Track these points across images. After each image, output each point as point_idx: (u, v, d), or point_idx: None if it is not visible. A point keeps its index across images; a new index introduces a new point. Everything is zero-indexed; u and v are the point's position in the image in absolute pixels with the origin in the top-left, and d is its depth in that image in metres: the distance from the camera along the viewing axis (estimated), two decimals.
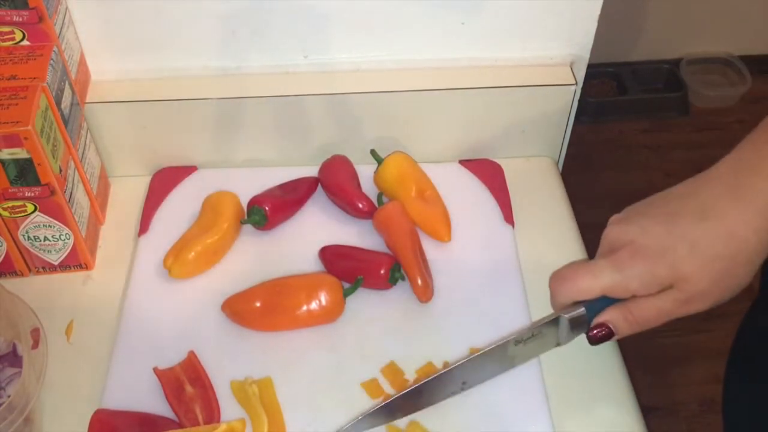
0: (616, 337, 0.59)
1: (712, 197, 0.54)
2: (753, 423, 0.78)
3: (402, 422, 0.66)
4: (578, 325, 0.60)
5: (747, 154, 0.55)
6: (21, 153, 0.69)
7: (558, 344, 0.63)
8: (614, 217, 0.60)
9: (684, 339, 1.69)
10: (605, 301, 0.58)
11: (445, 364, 0.67)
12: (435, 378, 0.62)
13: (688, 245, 0.54)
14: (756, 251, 0.53)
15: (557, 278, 0.60)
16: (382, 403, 0.63)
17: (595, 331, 0.59)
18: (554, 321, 0.61)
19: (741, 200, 0.53)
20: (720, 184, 0.54)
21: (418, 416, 0.66)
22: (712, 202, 0.54)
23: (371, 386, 0.70)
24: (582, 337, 0.61)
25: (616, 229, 0.58)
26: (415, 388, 0.62)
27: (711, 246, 0.53)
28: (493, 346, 0.62)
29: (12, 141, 0.68)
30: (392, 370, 0.71)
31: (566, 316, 0.60)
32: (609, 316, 0.58)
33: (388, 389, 0.70)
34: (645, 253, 0.55)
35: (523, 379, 0.70)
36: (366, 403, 0.69)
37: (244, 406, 0.69)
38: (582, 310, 0.59)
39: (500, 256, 0.81)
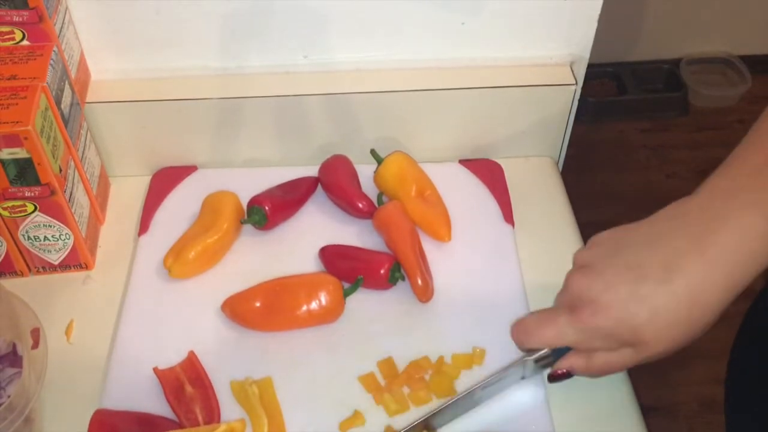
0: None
1: (677, 252, 0.53)
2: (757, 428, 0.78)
3: None
4: (543, 362, 0.63)
5: (715, 202, 0.54)
6: (21, 153, 0.69)
7: (523, 378, 0.67)
8: (578, 257, 0.60)
9: None
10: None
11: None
12: (410, 428, 0.65)
13: (650, 311, 0.54)
14: (716, 312, 0.53)
15: (521, 330, 0.63)
16: None
17: (557, 373, 0.62)
18: (520, 361, 0.64)
19: (706, 259, 0.52)
20: (687, 236, 0.53)
21: None
22: (677, 258, 0.53)
23: (367, 380, 0.71)
24: None
25: (579, 282, 0.58)
26: None
27: (673, 312, 0.53)
28: (461, 395, 0.66)
29: (12, 141, 0.68)
30: (388, 365, 0.72)
31: (532, 358, 0.63)
32: (570, 363, 0.61)
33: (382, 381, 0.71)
34: (607, 314, 0.55)
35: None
36: (366, 402, 0.69)
37: (244, 406, 0.69)
38: (548, 350, 0.62)
39: (500, 256, 0.81)
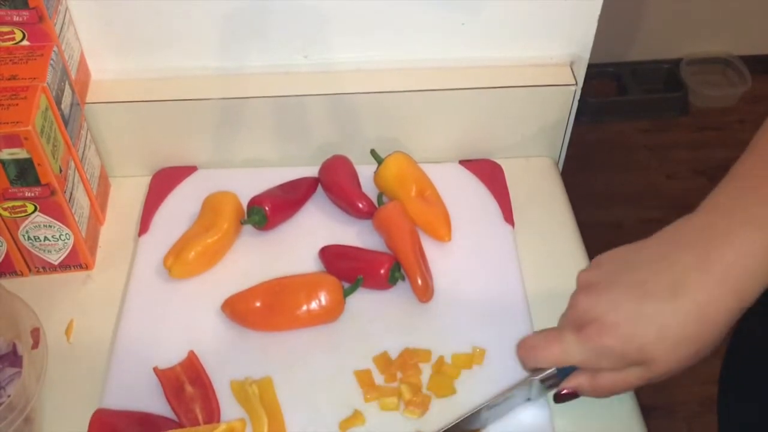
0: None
1: (683, 269, 0.53)
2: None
3: None
4: (549, 383, 0.63)
5: (717, 219, 0.53)
6: (21, 153, 0.69)
7: (529, 400, 0.66)
8: (582, 277, 0.59)
9: None
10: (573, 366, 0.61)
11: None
12: None
13: (658, 329, 0.53)
14: (724, 329, 0.53)
15: (527, 348, 0.62)
16: None
17: (563, 393, 0.61)
18: (525, 381, 0.63)
19: (712, 275, 0.52)
20: (691, 253, 0.53)
21: None
22: (684, 276, 0.53)
23: (362, 375, 0.71)
24: None
25: (585, 301, 0.57)
26: None
27: (680, 328, 0.53)
28: (467, 415, 0.64)
29: (12, 141, 0.68)
30: (383, 359, 0.72)
31: (538, 378, 0.62)
32: (577, 383, 0.60)
33: (378, 378, 0.71)
34: (614, 333, 0.55)
35: None
36: (366, 401, 0.69)
37: (244, 406, 0.69)
38: (553, 370, 0.61)
39: (500, 256, 0.81)
